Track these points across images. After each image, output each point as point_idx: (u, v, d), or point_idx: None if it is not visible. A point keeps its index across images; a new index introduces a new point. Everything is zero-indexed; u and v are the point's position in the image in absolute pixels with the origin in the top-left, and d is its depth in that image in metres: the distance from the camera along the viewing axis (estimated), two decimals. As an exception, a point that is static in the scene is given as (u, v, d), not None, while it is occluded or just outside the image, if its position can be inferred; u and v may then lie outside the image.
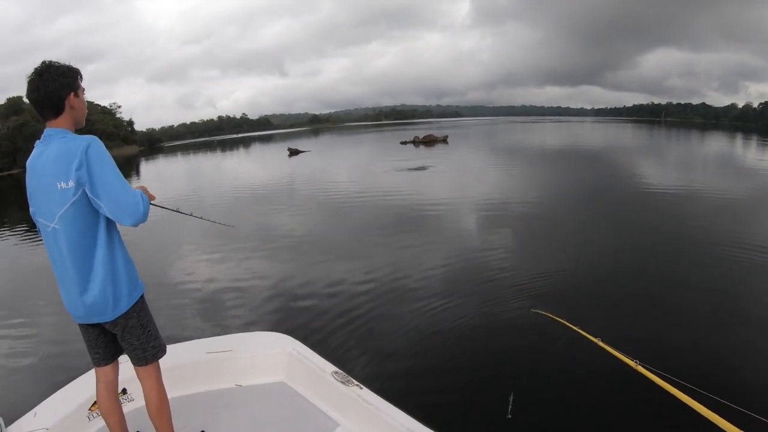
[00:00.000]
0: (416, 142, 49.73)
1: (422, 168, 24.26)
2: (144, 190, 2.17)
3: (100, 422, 2.52)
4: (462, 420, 3.81)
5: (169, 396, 2.34)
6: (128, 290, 2.11)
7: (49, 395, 2.66)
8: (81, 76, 2.07)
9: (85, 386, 2.64)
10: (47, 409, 2.54)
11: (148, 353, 2.23)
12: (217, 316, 6.54)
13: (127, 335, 2.16)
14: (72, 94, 1.99)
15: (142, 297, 2.20)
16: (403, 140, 51.99)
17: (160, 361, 2.30)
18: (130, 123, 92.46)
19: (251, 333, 3.20)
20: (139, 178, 32.22)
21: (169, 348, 2.52)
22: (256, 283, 7.85)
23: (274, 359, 2.95)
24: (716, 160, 31.13)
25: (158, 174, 35.38)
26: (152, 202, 2.26)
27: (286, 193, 19.71)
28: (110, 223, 2.04)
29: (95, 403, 2.45)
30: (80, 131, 2.08)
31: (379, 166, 26.62)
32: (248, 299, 7.13)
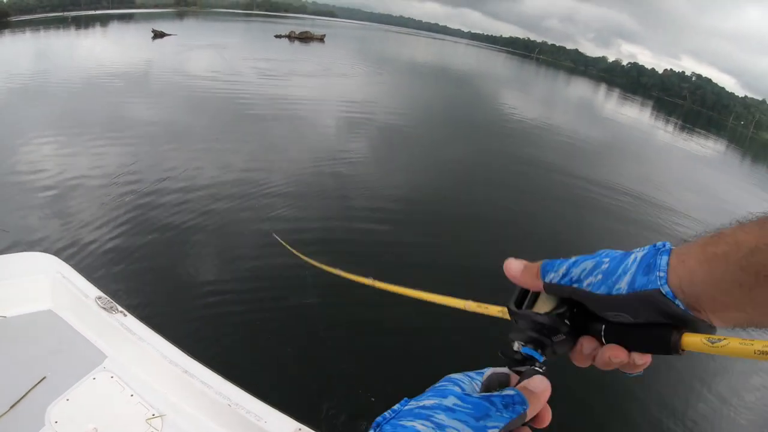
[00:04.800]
0: (291, 37, 48.19)
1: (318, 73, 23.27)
2: None
3: None
4: (209, 340, 4.07)
5: None
6: None
7: None
8: None
9: None
10: None
11: None
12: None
13: None
14: None
15: None
16: (278, 34, 49.92)
17: None
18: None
19: (10, 254, 2.79)
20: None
21: None
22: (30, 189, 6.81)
23: (39, 284, 2.64)
24: (578, 104, 33.93)
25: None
26: None
27: (138, 79, 17.55)
28: None
29: None
30: None
31: (253, 60, 25.08)
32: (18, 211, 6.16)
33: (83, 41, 37.98)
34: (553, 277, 0.54)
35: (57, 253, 3.08)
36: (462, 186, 9.18)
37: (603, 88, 68.34)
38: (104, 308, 2.43)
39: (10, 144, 8.81)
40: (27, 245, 5.18)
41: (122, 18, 75.56)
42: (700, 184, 15.25)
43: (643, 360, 0.50)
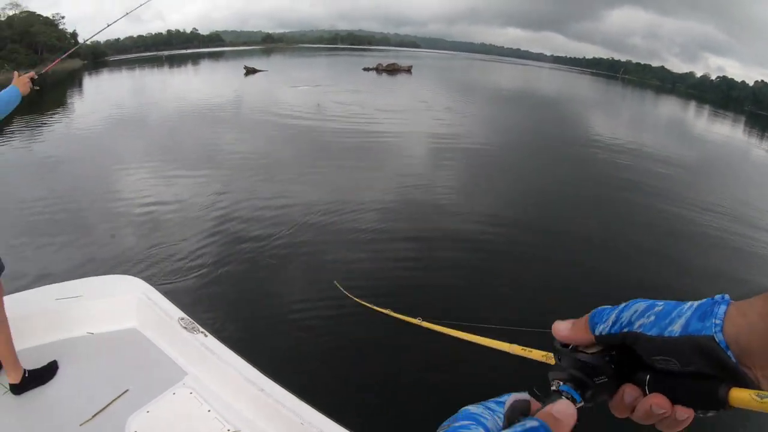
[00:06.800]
0: (379, 70, 48.97)
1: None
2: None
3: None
4: (284, 361, 4.06)
5: (19, 348, 2.31)
6: None
7: None
8: None
9: None
10: None
11: None
12: (67, 257, 5.95)
13: None
14: None
15: None
16: (366, 67, 50.95)
17: (8, 310, 2.26)
18: (74, 35, 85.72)
19: (101, 277, 3.04)
20: (82, 93, 29.78)
21: (15, 297, 2.45)
22: (121, 216, 7.27)
23: (125, 305, 2.84)
24: (670, 125, 32.15)
25: (100, 88, 32.95)
26: None
27: (238, 113, 18.63)
28: None
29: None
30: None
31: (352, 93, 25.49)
32: (109, 237, 6.59)
33: (179, 77, 41.12)
34: (602, 328, 0.53)
35: (144, 276, 3.30)
36: (549, 220, 8.57)
37: (692, 105, 64.23)
38: (186, 328, 2.57)
39: (109, 171, 9.64)
40: (116, 266, 5.55)
41: (212, 56, 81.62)
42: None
43: (685, 415, 0.47)
